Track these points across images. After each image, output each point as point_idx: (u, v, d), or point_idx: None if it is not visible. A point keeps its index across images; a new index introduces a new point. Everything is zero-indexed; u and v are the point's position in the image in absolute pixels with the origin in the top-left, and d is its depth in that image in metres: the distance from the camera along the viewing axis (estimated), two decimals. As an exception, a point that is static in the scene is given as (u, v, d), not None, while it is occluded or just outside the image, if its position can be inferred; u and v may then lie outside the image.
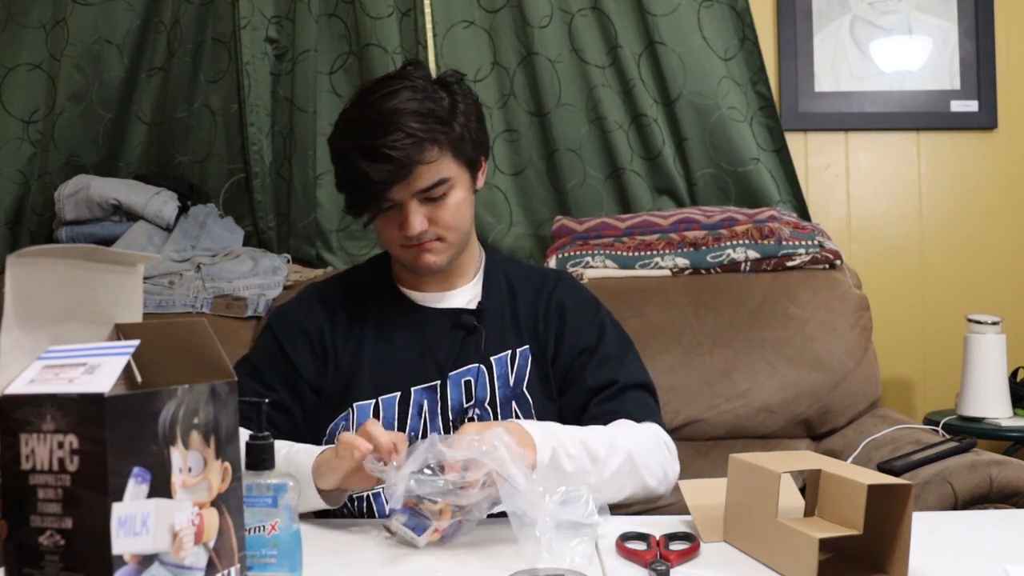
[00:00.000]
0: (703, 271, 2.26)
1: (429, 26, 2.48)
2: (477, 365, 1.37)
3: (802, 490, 1.10)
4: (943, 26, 2.59)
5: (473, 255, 1.46)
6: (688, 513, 1.14)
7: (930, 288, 2.61)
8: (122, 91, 2.56)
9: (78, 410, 0.69)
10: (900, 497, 0.93)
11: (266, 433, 0.94)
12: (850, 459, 1.82)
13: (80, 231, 2.39)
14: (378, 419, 1.34)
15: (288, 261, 2.43)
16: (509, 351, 1.39)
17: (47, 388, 0.71)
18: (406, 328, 1.40)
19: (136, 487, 0.71)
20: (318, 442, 1.37)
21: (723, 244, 2.25)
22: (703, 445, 2.08)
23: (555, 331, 1.41)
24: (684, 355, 2.12)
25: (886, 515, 0.94)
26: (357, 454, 1.09)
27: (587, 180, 2.50)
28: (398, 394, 1.35)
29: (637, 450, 1.27)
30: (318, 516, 1.25)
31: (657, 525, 1.11)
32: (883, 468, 1.61)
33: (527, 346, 1.40)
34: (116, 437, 0.69)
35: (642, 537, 1.07)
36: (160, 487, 0.73)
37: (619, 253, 2.29)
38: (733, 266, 2.25)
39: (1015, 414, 2.23)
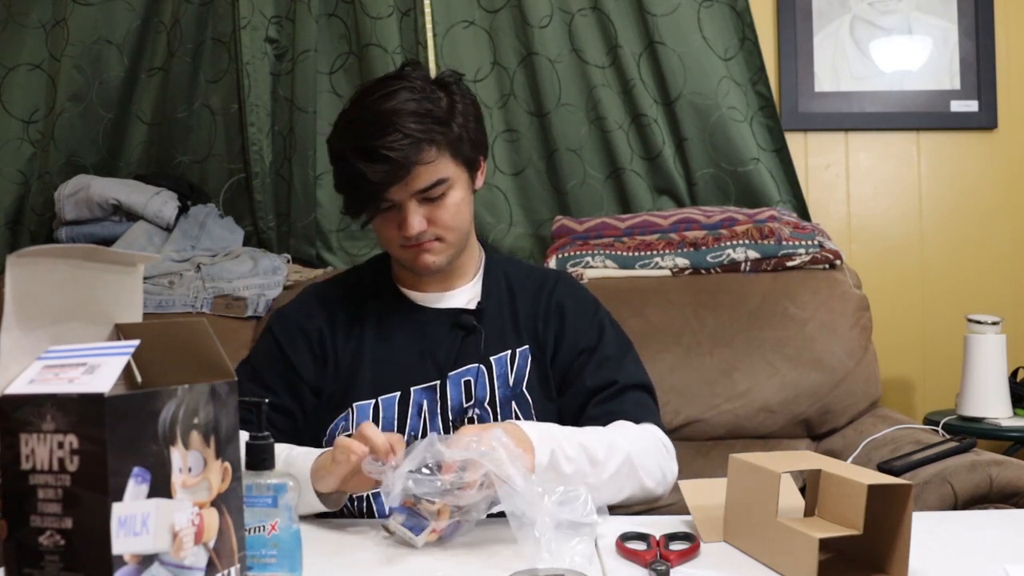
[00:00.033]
0: (703, 271, 2.26)
1: (429, 26, 2.48)
2: (477, 365, 1.37)
3: (802, 490, 1.10)
4: (943, 26, 2.59)
5: (473, 255, 1.46)
6: (688, 513, 1.14)
7: (930, 288, 2.61)
8: (122, 91, 2.56)
9: (78, 410, 0.69)
10: (900, 497, 0.93)
11: (266, 433, 0.94)
12: (850, 459, 1.82)
13: (80, 231, 2.39)
14: (378, 419, 1.34)
15: (288, 261, 2.43)
16: (509, 351, 1.39)
17: (47, 388, 0.71)
18: (406, 328, 1.40)
19: (136, 487, 0.71)
20: (318, 443, 1.37)
21: (723, 244, 2.25)
22: (703, 445, 2.08)
23: (554, 331, 1.41)
24: (684, 355, 2.12)
25: (886, 515, 0.94)
26: (353, 458, 1.09)
27: (587, 180, 2.50)
28: (398, 394, 1.35)
29: (635, 451, 1.27)
30: (318, 516, 1.24)
31: (657, 525, 1.11)
32: (883, 468, 1.61)
33: (526, 346, 1.40)
34: (116, 437, 0.69)
35: (642, 537, 1.07)
36: (160, 487, 0.73)
37: (619, 253, 2.29)
38: (733, 266, 2.25)
39: (1015, 414, 2.23)
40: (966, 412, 2.23)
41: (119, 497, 0.69)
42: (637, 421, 1.34)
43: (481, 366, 1.37)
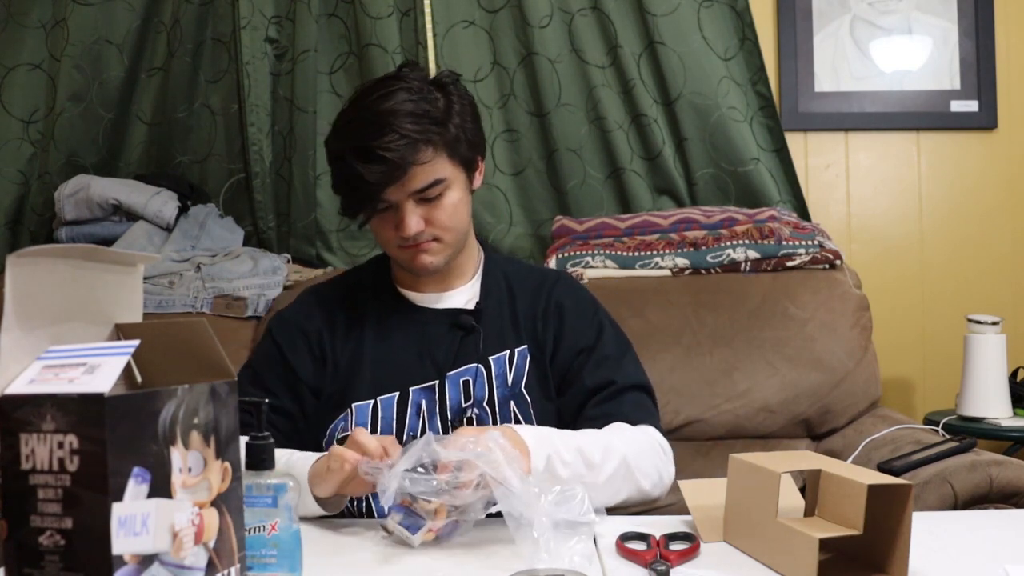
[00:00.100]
0: (703, 271, 2.26)
1: (429, 26, 2.48)
2: (475, 365, 1.37)
3: (802, 490, 1.10)
4: (943, 26, 2.59)
5: (472, 255, 1.46)
6: (688, 513, 1.14)
7: (930, 288, 2.61)
8: (122, 91, 2.56)
9: (78, 410, 0.69)
10: (900, 497, 0.93)
11: (266, 433, 0.94)
12: (850, 459, 1.82)
13: (80, 231, 2.39)
14: (377, 419, 1.35)
15: (288, 261, 2.43)
16: (507, 351, 1.39)
17: (47, 388, 0.71)
18: (405, 328, 1.40)
19: (136, 487, 0.71)
20: (319, 443, 1.37)
21: (723, 244, 2.25)
22: (703, 445, 2.08)
23: (553, 331, 1.41)
24: (684, 355, 2.12)
25: (886, 515, 0.94)
26: (347, 466, 1.10)
27: (587, 180, 2.50)
28: (396, 394, 1.35)
29: (632, 454, 1.27)
30: (317, 516, 1.25)
31: (657, 525, 1.11)
32: (883, 468, 1.61)
33: (525, 346, 1.40)
34: (116, 437, 0.69)
35: (642, 537, 1.07)
36: (160, 487, 0.73)
37: (619, 253, 2.29)
38: (733, 266, 2.25)
39: (1015, 414, 2.23)
40: (966, 412, 2.23)
41: (119, 497, 0.69)
42: (635, 423, 1.34)
43: (480, 366, 1.37)
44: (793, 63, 2.60)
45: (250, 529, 0.89)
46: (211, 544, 0.79)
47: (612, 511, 1.25)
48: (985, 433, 2.18)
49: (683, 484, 1.18)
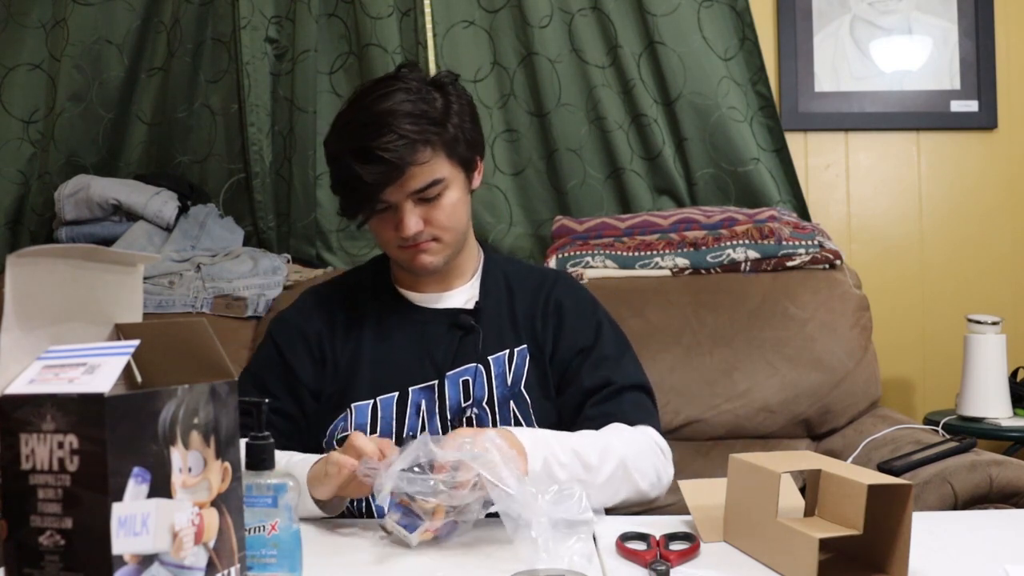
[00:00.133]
0: (703, 271, 2.26)
1: (429, 26, 2.48)
2: (475, 365, 1.37)
3: (802, 490, 1.10)
4: (943, 26, 2.59)
5: (471, 255, 1.46)
6: (688, 513, 1.14)
7: (930, 288, 2.61)
8: (122, 91, 2.56)
9: (78, 410, 0.69)
10: (900, 497, 0.93)
11: (266, 433, 0.94)
12: (850, 459, 1.82)
13: (80, 231, 2.39)
14: (376, 419, 1.35)
15: (288, 261, 2.43)
16: (507, 351, 1.39)
17: (47, 388, 0.71)
18: (404, 328, 1.40)
19: (136, 487, 0.71)
20: (319, 444, 1.37)
21: (723, 244, 2.25)
22: (703, 445, 2.08)
23: (553, 331, 1.41)
24: (684, 355, 2.12)
25: (886, 515, 0.94)
26: (345, 471, 1.10)
27: (587, 180, 2.50)
28: (396, 394, 1.36)
29: (630, 455, 1.27)
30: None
31: (657, 525, 1.11)
32: (883, 468, 1.61)
33: (525, 345, 1.40)
34: (116, 437, 0.69)
35: (642, 537, 1.07)
36: (160, 487, 0.73)
37: (619, 253, 2.29)
38: (733, 266, 2.25)
39: (1015, 414, 2.23)
40: (966, 412, 2.23)
41: (119, 497, 0.69)
42: (633, 423, 1.34)
43: (479, 366, 1.37)
44: (793, 63, 2.60)
45: (250, 529, 0.89)
46: (211, 544, 0.79)
47: (611, 511, 1.26)
48: (985, 433, 2.18)
49: (683, 484, 1.18)
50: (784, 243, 2.23)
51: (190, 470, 0.77)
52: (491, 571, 0.99)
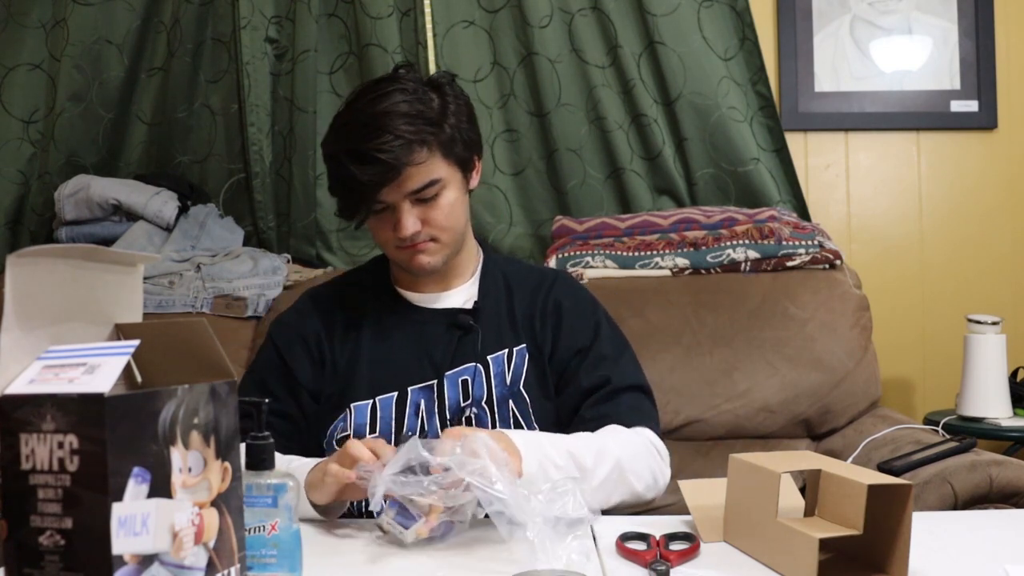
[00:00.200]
0: (703, 271, 2.26)
1: (429, 26, 2.48)
2: (474, 364, 1.37)
3: (802, 490, 1.10)
4: (943, 26, 2.59)
5: (470, 255, 1.46)
6: (688, 513, 1.14)
7: (930, 288, 2.61)
8: (122, 91, 2.56)
9: (78, 410, 0.69)
10: (900, 497, 0.93)
11: (266, 433, 0.94)
12: (850, 459, 1.82)
13: (80, 231, 2.39)
14: (375, 419, 1.35)
15: (288, 261, 2.43)
16: (506, 350, 1.39)
17: (47, 388, 0.71)
18: (403, 328, 1.40)
19: (136, 487, 0.71)
20: (319, 445, 1.37)
21: (723, 244, 2.25)
22: (703, 445, 2.08)
23: (552, 331, 1.41)
24: (684, 355, 2.12)
25: (886, 515, 0.94)
26: (343, 478, 1.09)
27: (587, 180, 2.50)
28: (395, 394, 1.36)
29: (626, 457, 1.27)
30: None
31: (657, 525, 1.11)
32: (883, 468, 1.61)
33: (524, 345, 1.40)
34: (116, 437, 0.69)
35: (642, 537, 1.07)
36: (160, 487, 0.73)
37: (619, 253, 2.29)
38: (733, 266, 2.25)
39: (1015, 414, 2.23)
40: (966, 412, 2.23)
41: (119, 497, 0.69)
42: (630, 424, 1.34)
43: (478, 365, 1.37)
44: (793, 63, 2.60)
45: (250, 529, 0.89)
46: (211, 544, 0.79)
47: (610, 512, 1.26)
48: (985, 433, 2.18)
49: (683, 484, 1.18)
50: (784, 243, 2.23)
51: (190, 470, 0.77)
52: (491, 571, 0.98)
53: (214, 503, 0.79)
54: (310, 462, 1.22)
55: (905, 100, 2.60)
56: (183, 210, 2.43)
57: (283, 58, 2.51)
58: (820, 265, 2.25)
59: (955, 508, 1.53)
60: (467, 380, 1.36)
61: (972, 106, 2.58)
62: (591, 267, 2.28)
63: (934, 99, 2.59)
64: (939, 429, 1.96)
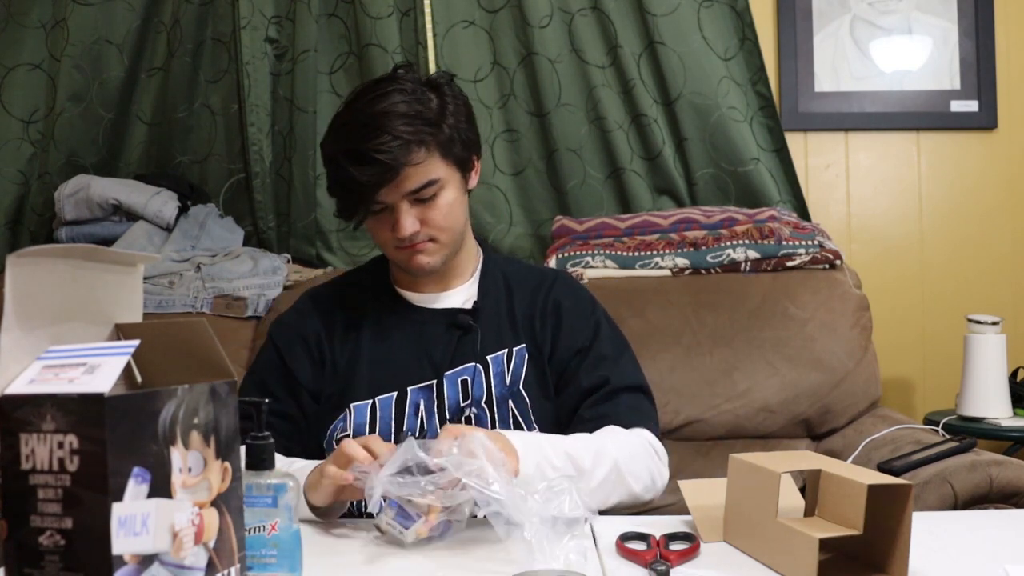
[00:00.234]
0: (703, 271, 2.26)
1: (429, 26, 2.48)
2: (473, 364, 1.37)
3: (802, 490, 1.10)
4: (943, 26, 2.59)
5: (470, 255, 1.46)
6: (688, 513, 1.14)
7: (930, 288, 2.61)
8: (122, 91, 2.56)
9: (78, 410, 0.69)
10: (900, 497, 0.93)
11: (266, 433, 0.94)
12: (850, 459, 1.82)
13: (80, 231, 2.39)
14: (375, 419, 1.35)
15: (288, 261, 2.43)
16: (505, 350, 1.39)
17: (47, 388, 0.71)
18: (403, 328, 1.40)
19: (136, 487, 0.71)
20: (320, 445, 1.37)
21: (723, 244, 2.25)
22: (703, 445, 2.08)
23: (551, 330, 1.41)
24: (684, 355, 2.12)
25: (886, 515, 0.94)
26: (340, 480, 1.09)
27: (587, 180, 2.50)
28: (394, 394, 1.36)
29: (624, 458, 1.26)
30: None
31: (657, 525, 1.11)
32: (883, 468, 1.61)
33: (523, 345, 1.40)
34: (116, 437, 0.69)
35: (642, 537, 1.07)
36: (160, 487, 0.73)
37: (619, 253, 2.29)
38: (733, 266, 2.25)
39: (1015, 414, 2.23)
40: (966, 412, 2.23)
41: (119, 497, 0.69)
42: (629, 425, 1.34)
43: (478, 365, 1.37)
44: (793, 63, 2.60)
45: (250, 529, 0.89)
46: (211, 544, 0.79)
47: (610, 512, 1.26)
48: (985, 433, 2.18)
49: (683, 484, 1.18)
50: (784, 243, 2.23)
51: (190, 470, 0.77)
52: (489, 571, 0.99)
53: (214, 503, 0.79)
54: (311, 464, 1.22)
55: (905, 100, 2.59)
56: (183, 210, 2.43)
57: (283, 58, 2.51)
58: (820, 265, 2.25)
59: (955, 508, 1.53)
60: (467, 380, 1.36)
61: (972, 106, 2.58)
62: (591, 267, 2.28)
63: (934, 99, 2.59)
64: (939, 429, 1.96)
